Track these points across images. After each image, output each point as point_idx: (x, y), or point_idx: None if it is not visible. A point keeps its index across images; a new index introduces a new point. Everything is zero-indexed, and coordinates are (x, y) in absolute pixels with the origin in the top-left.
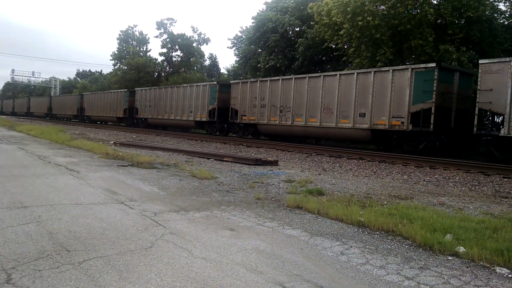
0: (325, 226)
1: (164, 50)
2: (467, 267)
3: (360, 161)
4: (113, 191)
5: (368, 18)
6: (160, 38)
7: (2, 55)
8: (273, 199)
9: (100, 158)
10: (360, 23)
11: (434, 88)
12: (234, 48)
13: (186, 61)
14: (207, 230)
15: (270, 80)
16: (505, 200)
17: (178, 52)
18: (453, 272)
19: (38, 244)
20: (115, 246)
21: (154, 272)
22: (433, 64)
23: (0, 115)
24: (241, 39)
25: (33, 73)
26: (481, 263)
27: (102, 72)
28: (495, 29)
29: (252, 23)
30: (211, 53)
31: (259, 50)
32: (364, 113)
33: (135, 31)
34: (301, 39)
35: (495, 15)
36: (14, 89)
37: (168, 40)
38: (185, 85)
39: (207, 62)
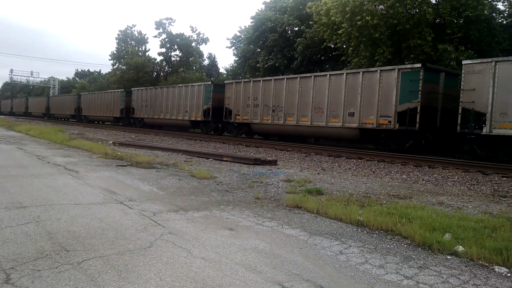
0: (324, 226)
1: (163, 49)
2: (466, 266)
3: (359, 160)
4: (112, 191)
5: (367, 17)
6: (159, 38)
7: (1, 55)
8: (272, 198)
9: (99, 158)
10: (359, 22)
11: (420, 88)
12: (233, 48)
13: (185, 61)
14: (206, 229)
15: (263, 80)
16: (503, 199)
17: (177, 52)
18: (452, 271)
19: (37, 244)
20: (114, 246)
21: (153, 272)
22: (419, 65)
23: None
24: (240, 38)
25: (31, 73)
26: (480, 262)
27: (101, 72)
28: (493, 28)
29: (251, 22)
30: (210, 53)
31: (258, 50)
32: (353, 112)
33: (134, 31)
34: (300, 39)
35: (494, 14)
36: (13, 89)
37: (167, 39)
38: (180, 85)
39: (206, 62)
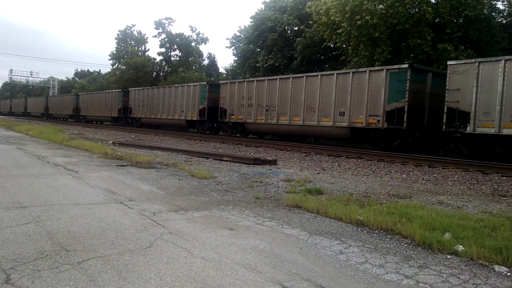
0: (324, 225)
1: (163, 49)
2: (466, 266)
3: (359, 160)
4: (112, 191)
5: (366, 17)
6: (158, 37)
7: (1, 55)
8: (272, 198)
9: (99, 158)
10: (358, 22)
11: (407, 88)
12: (233, 47)
13: (185, 61)
14: (206, 229)
15: (257, 80)
16: (503, 198)
17: (177, 52)
18: (452, 271)
19: (37, 244)
20: (114, 246)
21: (153, 272)
22: (406, 65)
23: None
24: (240, 38)
25: (31, 73)
26: (480, 261)
27: (101, 72)
28: (493, 28)
29: (251, 22)
30: (210, 53)
31: (258, 50)
32: (343, 112)
33: (134, 30)
34: (299, 38)
35: (493, 14)
36: (12, 89)
37: (166, 39)
38: (176, 85)
39: (206, 62)
